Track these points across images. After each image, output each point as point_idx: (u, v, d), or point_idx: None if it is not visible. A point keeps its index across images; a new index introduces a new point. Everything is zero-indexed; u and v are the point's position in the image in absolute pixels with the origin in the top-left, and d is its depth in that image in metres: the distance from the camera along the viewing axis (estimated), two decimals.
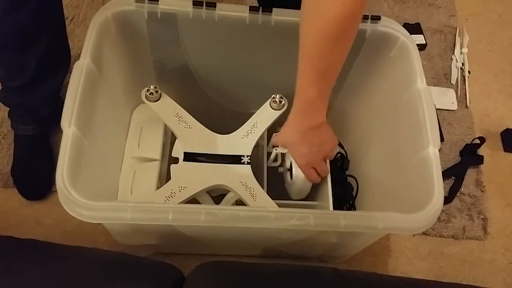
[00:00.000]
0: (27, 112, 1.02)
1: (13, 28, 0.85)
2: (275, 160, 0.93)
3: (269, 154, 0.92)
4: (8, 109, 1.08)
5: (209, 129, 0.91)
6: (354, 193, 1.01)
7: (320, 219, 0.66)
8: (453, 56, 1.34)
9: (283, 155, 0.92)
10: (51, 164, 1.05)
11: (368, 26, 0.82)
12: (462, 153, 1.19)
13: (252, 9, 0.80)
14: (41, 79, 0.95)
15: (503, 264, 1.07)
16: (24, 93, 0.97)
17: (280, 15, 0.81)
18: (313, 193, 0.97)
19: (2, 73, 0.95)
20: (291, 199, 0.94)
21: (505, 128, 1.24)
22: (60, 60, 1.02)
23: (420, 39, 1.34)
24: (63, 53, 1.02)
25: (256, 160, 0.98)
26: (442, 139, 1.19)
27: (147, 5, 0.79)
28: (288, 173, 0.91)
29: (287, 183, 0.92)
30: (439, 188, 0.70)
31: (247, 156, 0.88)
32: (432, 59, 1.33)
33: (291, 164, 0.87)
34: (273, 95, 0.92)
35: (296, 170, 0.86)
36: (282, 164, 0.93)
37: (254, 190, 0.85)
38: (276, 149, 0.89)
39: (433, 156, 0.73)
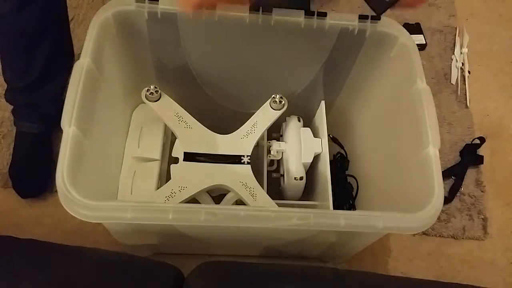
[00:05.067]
0: (33, 111, 1.02)
1: (20, 28, 0.86)
2: (271, 165, 0.97)
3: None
4: (9, 108, 1.08)
5: (209, 129, 0.91)
6: (354, 193, 1.01)
7: (320, 218, 0.66)
8: (453, 56, 1.33)
9: (278, 161, 0.96)
10: (50, 164, 1.05)
11: (368, 26, 0.82)
12: (462, 153, 1.19)
13: (252, 9, 0.80)
14: (46, 78, 0.95)
15: (503, 264, 1.07)
16: (30, 92, 0.98)
17: (280, 15, 0.81)
18: (313, 193, 0.98)
19: (9, 74, 0.97)
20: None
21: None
22: (64, 59, 1.02)
23: (420, 39, 1.34)
24: (67, 51, 1.03)
25: (256, 160, 0.98)
26: None
27: (147, 5, 0.79)
28: (282, 179, 0.95)
29: (281, 187, 0.97)
30: (439, 188, 0.70)
31: (247, 156, 0.89)
32: (432, 59, 1.33)
33: (284, 171, 0.92)
34: (273, 95, 0.92)
35: (287, 178, 0.90)
36: (277, 170, 0.98)
37: (254, 190, 0.85)
38: (270, 156, 0.92)
39: (433, 156, 0.72)
